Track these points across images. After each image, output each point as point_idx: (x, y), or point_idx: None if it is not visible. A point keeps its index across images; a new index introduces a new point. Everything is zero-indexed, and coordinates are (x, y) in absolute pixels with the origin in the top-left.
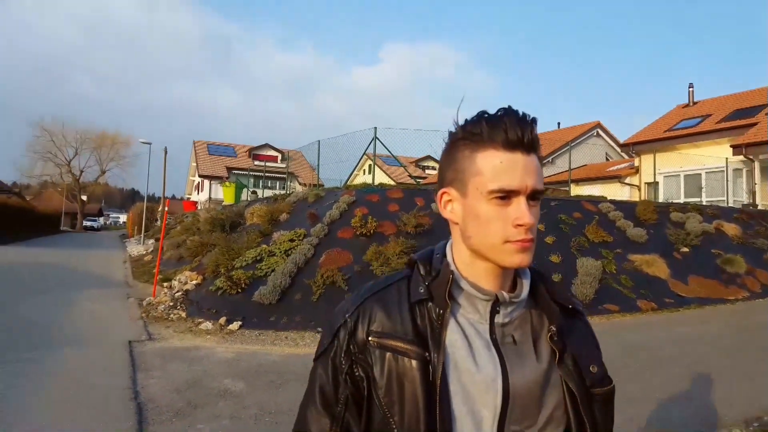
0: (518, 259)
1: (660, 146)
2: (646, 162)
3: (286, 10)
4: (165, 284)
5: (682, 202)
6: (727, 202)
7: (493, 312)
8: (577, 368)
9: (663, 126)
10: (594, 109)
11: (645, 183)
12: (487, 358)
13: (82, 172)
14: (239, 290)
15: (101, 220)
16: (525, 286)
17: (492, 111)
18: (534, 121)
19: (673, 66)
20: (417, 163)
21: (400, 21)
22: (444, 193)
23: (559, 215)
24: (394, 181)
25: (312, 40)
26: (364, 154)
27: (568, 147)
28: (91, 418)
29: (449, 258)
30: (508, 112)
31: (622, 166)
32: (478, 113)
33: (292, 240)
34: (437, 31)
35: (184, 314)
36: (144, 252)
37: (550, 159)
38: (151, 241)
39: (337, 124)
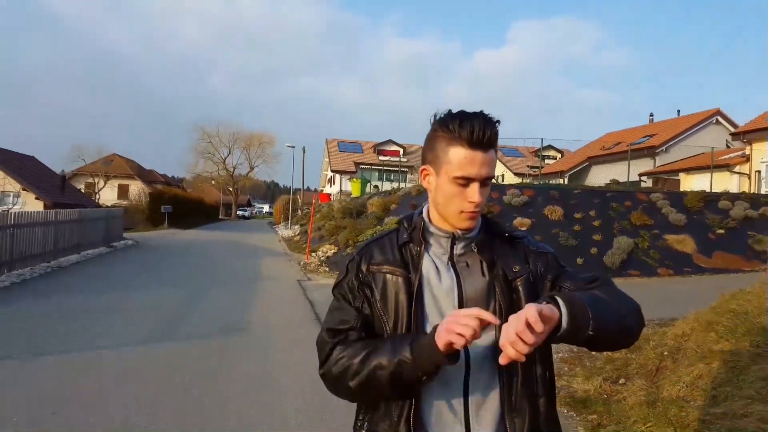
0: (467, 224)
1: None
2: (757, 150)
3: None
4: (313, 253)
5: None
6: None
7: (452, 246)
8: (503, 271)
9: None
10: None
11: (756, 171)
12: (447, 276)
13: (234, 168)
14: None
15: (249, 210)
16: (474, 231)
17: (482, 110)
18: (495, 123)
19: None
20: (536, 152)
21: None
22: (424, 169)
23: (611, 203)
24: (511, 171)
25: (438, 27)
26: None
27: (681, 137)
28: (287, 308)
29: (424, 214)
30: (477, 116)
31: (734, 155)
32: (455, 113)
33: (397, 223)
34: (572, 4)
35: (326, 269)
36: (292, 234)
37: (663, 148)
38: (296, 226)
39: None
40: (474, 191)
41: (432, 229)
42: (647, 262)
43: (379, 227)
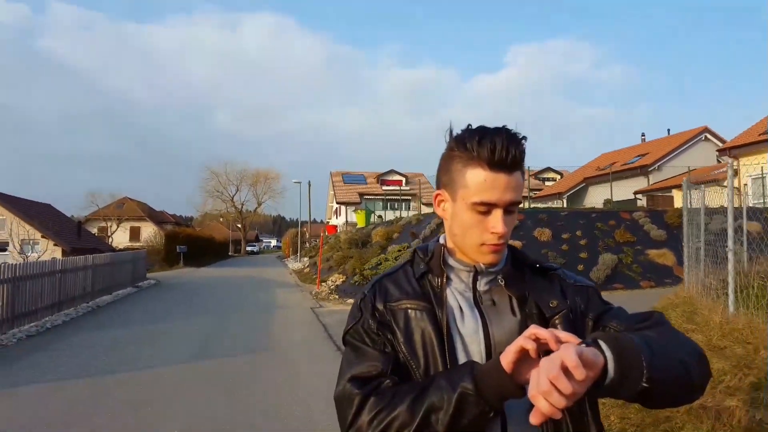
0: (490, 258)
1: (752, 150)
2: (744, 165)
3: (407, 30)
4: (323, 283)
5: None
6: None
7: (475, 281)
8: (538, 308)
9: (760, 129)
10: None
11: (744, 184)
12: (470, 317)
13: (243, 205)
14: (367, 281)
15: (257, 245)
16: (500, 262)
17: (495, 124)
18: (521, 141)
19: None
20: (536, 175)
21: (526, 22)
22: (438, 194)
23: (596, 223)
24: None
25: (433, 55)
26: None
27: (672, 155)
28: (303, 330)
29: (442, 246)
30: (499, 132)
31: (723, 170)
32: (474, 129)
33: (399, 250)
34: (569, 26)
35: (336, 297)
36: (302, 266)
37: (656, 166)
38: (305, 258)
39: None
40: (497, 220)
41: (451, 261)
42: (630, 275)
43: (382, 255)
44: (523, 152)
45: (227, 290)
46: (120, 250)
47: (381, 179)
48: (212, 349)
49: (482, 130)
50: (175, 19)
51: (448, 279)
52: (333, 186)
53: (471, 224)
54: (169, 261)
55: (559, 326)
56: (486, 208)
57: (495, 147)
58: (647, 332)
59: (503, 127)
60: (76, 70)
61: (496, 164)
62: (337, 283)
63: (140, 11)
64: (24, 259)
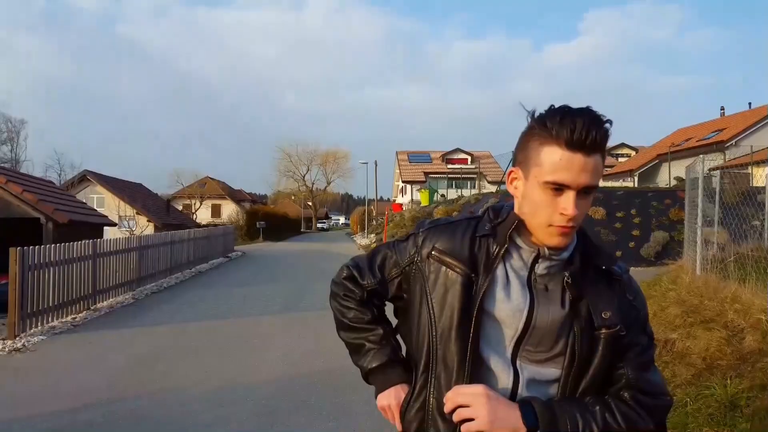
0: (556, 241)
1: None
2: None
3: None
4: None
5: None
6: None
7: (534, 263)
8: (588, 313)
9: None
10: None
11: None
12: (519, 294)
13: (313, 184)
14: None
15: (327, 222)
16: (567, 251)
17: (579, 105)
18: (605, 124)
19: None
20: (610, 151)
21: None
22: (512, 171)
23: (652, 202)
24: None
25: (504, 25)
26: None
27: (750, 130)
28: None
29: (513, 218)
30: (582, 113)
31: None
32: (557, 108)
33: (482, 212)
34: None
35: None
36: (369, 242)
37: (733, 142)
38: (372, 235)
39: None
40: (568, 201)
41: (516, 237)
42: (681, 252)
43: None
44: (605, 135)
45: (305, 260)
46: (204, 226)
47: (446, 158)
48: (296, 305)
49: (564, 108)
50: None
51: (508, 252)
52: (399, 165)
53: (541, 204)
54: (250, 235)
55: (601, 341)
56: (558, 189)
57: (576, 126)
58: (609, 415)
59: (587, 107)
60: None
61: (574, 144)
62: None
63: None
64: (130, 233)
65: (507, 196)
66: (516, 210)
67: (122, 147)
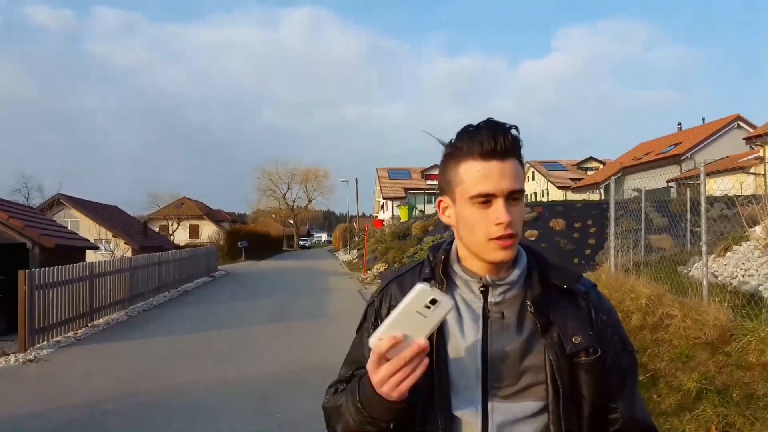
0: (501, 255)
1: None
2: None
3: (452, 17)
4: (369, 270)
5: None
6: None
7: (486, 292)
8: (560, 339)
9: None
10: None
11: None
12: (471, 329)
13: (294, 201)
14: None
15: (309, 239)
16: (514, 272)
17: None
18: (509, 129)
19: None
20: (579, 165)
21: (576, 2)
22: (440, 201)
23: (606, 214)
24: (555, 185)
25: (480, 43)
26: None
27: (704, 143)
28: (352, 306)
29: (453, 252)
30: (485, 125)
31: (751, 157)
32: (463, 127)
33: (433, 241)
34: (621, 4)
35: (379, 281)
36: (351, 258)
37: (688, 155)
38: (354, 251)
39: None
40: (499, 209)
41: (457, 268)
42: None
43: (419, 246)
44: (513, 140)
45: (288, 277)
46: (182, 247)
47: (425, 174)
48: (283, 317)
49: (468, 126)
50: (214, 16)
51: (455, 286)
52: (379, 182)
53: (474, 219)
54: (231, 255)
55: (581, 368)
56: (486, 200)
57: (483, 137)
58: None
59: (489, 119)
60: (124, 72)
61: (487, 153)
62: (381, 270)
63: (180, 12)
64: (111, 256)
65: None
66: (456, 237)
67: (95, 169)
